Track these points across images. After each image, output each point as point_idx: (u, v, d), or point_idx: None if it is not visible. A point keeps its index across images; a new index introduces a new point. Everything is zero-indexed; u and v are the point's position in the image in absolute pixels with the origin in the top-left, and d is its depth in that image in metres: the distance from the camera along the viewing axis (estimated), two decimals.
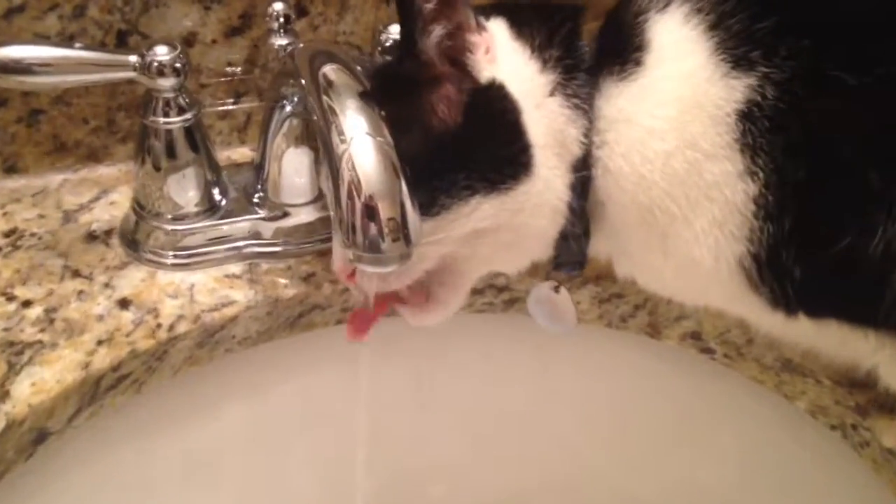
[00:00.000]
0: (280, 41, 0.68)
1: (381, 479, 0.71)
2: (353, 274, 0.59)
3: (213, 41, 0.77)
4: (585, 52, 0.55)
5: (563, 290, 0.67)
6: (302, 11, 0.77)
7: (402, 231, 0.51)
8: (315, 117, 0.54)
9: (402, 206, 0.51)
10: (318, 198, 0.72)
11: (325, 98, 0.53)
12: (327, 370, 0.75)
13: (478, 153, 0.54)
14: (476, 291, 0.73)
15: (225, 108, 0.81)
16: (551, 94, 0.55)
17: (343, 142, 0.51)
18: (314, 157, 0.69)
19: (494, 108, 0.54)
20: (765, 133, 0.48)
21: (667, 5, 0.52)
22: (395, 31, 0.69)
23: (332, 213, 0.52)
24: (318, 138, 0.53)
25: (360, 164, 0.51)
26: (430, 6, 0.52)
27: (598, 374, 0.77)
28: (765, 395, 0.69)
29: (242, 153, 0.81)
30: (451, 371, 0.77)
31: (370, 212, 0.50)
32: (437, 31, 0.53)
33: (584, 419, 0.77)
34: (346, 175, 0.51)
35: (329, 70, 0.55)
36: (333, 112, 0.52)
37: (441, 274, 0.59)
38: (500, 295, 0.74)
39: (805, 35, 0.47)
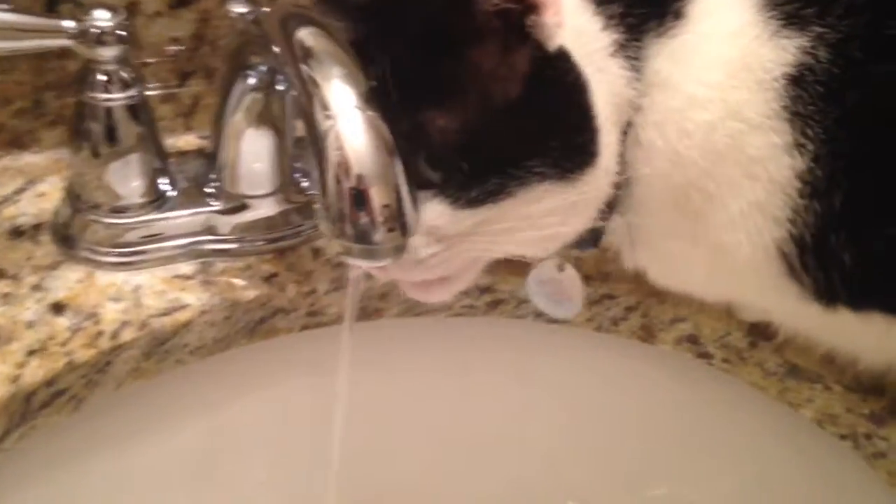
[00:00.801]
0: (238, 8, 0.60)
1: (353, 499, 0.64)
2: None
3: (157, 13, 0.69)
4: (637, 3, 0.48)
5: (568, 267, 0.61)
6: None
7: (398, 219, 0.44)
8: (291, 92, 0.47)
9: (398, 190, 0.44)
10: (282, 188, 0.64)
11: (304, 67, 0.46)
12: (292, 381, 0.68)
13: (550, 136, 0.46)
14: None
15: (169, 90, 0.73)
16: (613, 54, 0.48)
17: (328, 117, 0.44)
18: (277, 141, 0.61)
19: (564, 82, 0.47)
20: (817, 100, 0.43)
21: None
22: None
23: (317, 203, 0.45)
24: (301, 115, 0.46)
25: (349, 142, 0.43)
26: None
27: (587, 383, 0.71)
28: (767, 403, 0.65)
29: (188, 141, 0.73)
30: (429, 379, 0.71)
31: (361, 197, 0.43)
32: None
33: (571, 431, 0.72)
34: (332, 156, 0.43)
35: (306, 34, 0.47)
36: (315, 83, 0.45)
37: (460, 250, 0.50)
38: (482, 296, 0.68)
39: None
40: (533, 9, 0.45)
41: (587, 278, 0.66)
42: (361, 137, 0.44)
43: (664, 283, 0.55)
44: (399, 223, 0.44)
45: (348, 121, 0.44)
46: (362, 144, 0.43)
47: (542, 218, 0.48)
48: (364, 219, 0.43)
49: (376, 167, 0.43)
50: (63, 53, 0.68)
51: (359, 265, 0.45)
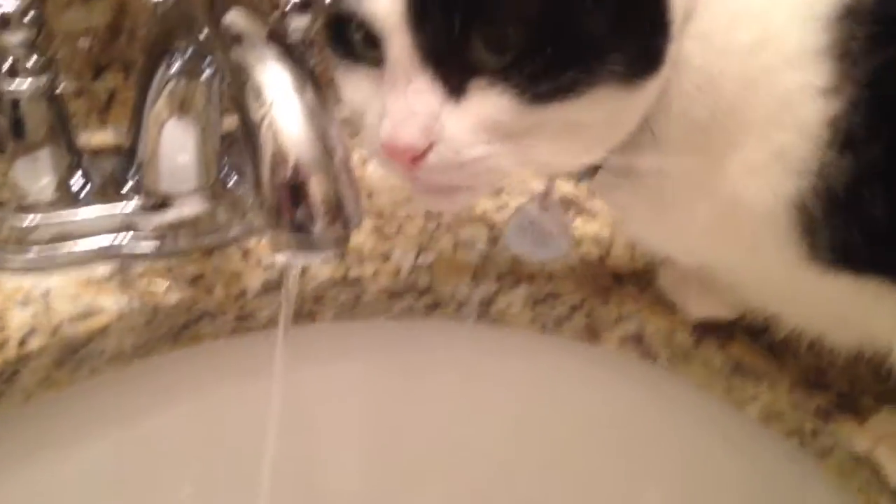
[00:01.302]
0: None
1: None
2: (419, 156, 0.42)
3: (69, 2, 0.64)
4: None
5: (553, 205, 0.57)
6: None
7: (339, 210, 0.41)
8: (217, 80, 0.44)
9: (339, 179, 0.41)
10: (207, 184, 0.60)
11: (234, 52, 0.42)
12: (219, 390, 0.64)
13: (630, 31, 0.41)
14: (394, 294, 0.64)
15: (82, 84, 0.68)
16: None
17: (261, 105, 0.41)
18: (202, 133, 0.57)
19: None
20: (860, 38, 0.40)
21: None
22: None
23: (252, 197, 0.41)
24: (232, 104, 0.42)
25: (285, 130, 0.40)
26: None
27: (531, 385, 0.69)
28: (713, 403, 0.64)
29: (104, 138, 0.68)
30: (367, 385, 0.67)
31: (299, 187, 0.40)
32: None
33: (516, 435, 0.69)
34: (267, 145, 0.40)
35: (235, 16, 0.44)
36: (246, 69, 0.42)
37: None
38: (421, 298, 0.65)
39: None
40: None
41: (531, 277, 0.64)
42: (299, 124, 0.40)
43: (641, 236, 0.52)
44: (341, 214, 0.41)
45: (284, 107, 0.41)
46: (299, 131, 0.40)
47: (596, 125, 0.43)
48: (303, 210, 0.40)
49: (315, 155, 0.40)
50: None
51: (297, 260, 0.42)
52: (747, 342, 0.62)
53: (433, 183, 0.42)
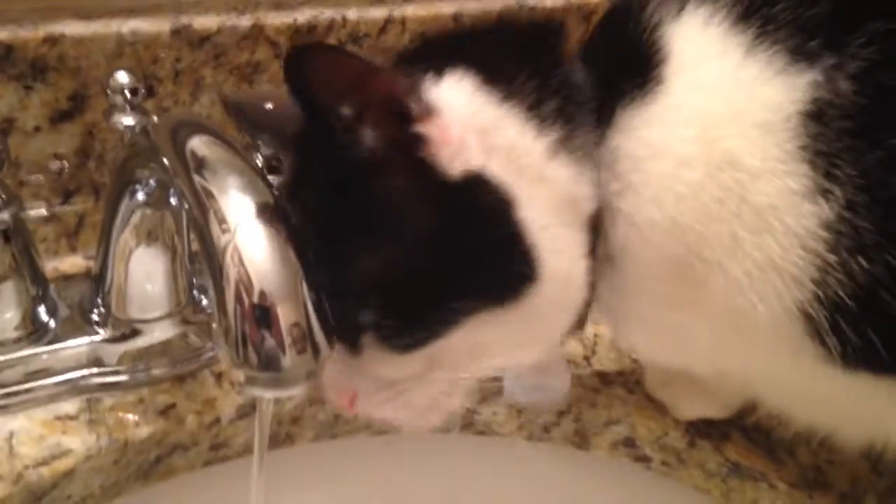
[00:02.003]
0: (125, 119, 0.55)
1: None
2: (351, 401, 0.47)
3: (36, 129, 0.64)
4: (583, 83, 0.46)
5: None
6: (148, 91, 0.65)
7: (308, 340, 0.39)
8: (183, 205, 0.43)
9: (307, 306, 0.39)
10: (177, 308, 0.58)
11: (197, 178, 0.41)
12: None
13: (470, 269, 0.43)
14: None
15: (51, 209, 0.67)
16: (554, 155, 0.44)
17: (226, 231, 0.39)
18: (171, 259, 0.56)
19: (480, 207, 0.43)
20: (844, 137, 0.39)
21: (681, 10, 0.44)
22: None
23: (214, 328, 0.40)
24: (194, 231, 0.41)
25: (249, 256, 0.39)
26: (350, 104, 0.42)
27: (520, 495, 0.66)
28: None
29: (74, 263, 0.67)
30: (345, 500, 0.64)
31: (265, 317, 0.39)
32: (368, 134, 0.42)
33: None
34: (230, 273, 0.39)
35: (199, 143, 0.43)
36: (210, 195, 0.41)
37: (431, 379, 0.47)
38: None
39: (884, 15, 0.39)
40: (420, 141, 0.42)
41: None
42: (263, 250, 0.39)
43: (658, 360, 0.52)
44: (310, 343, 0.39)
45: (248, 233, 0.40)
46: (265, 257, 0.39)
47: (495, 346, 0.45)
48: (270, 341, 0.39)
49: (281, 281, 0.39)
50: None
51: (266, 396, 0.40)
52: (743, 442, 0.60)
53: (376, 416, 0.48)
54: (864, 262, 0.39)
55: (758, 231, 0.41)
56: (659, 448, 0.62)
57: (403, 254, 0.42)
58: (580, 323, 0.50)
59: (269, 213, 0.40)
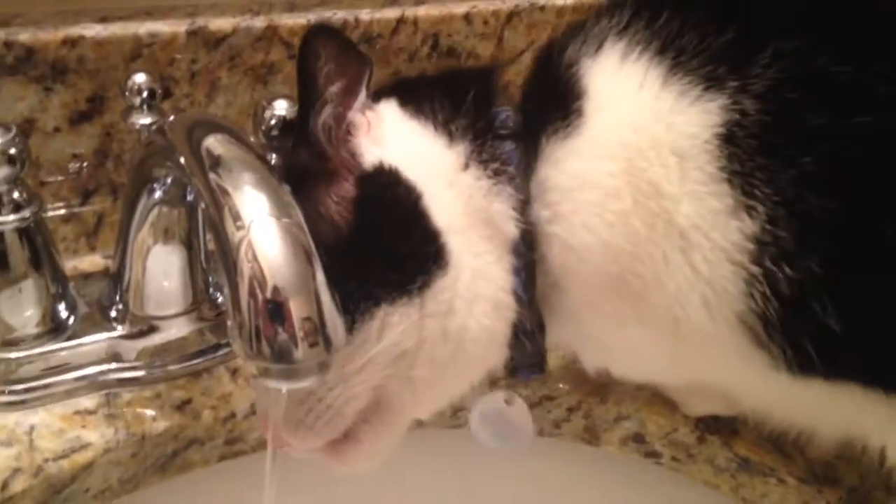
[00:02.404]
0: (142, 120, 0.56)
1: None
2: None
3: (56, 129, 0.65)
4: (507, 116, 0.48)
5: (518, 400, 0.58)
6: (165, 93, 0.66)
7: (320, 333, 0.40)
8: (201, 204, 0.44)
9: (319, 300, 0.40)
10: (194, 305, 0.59)
11: (212, 176, 0.42)
12: None
13: (373, 252, 0.45)
14: None
15: (70, 209, 0.68)
16: (465, 167, 0.47)
17: (240, 227, 0.40)
18: (188, 257, 0.57)
19: (385, 195, 0.46)
20: (756, 155, 0.41)
21: (599, 48, 0.46)
22: (280, 107, 0.60)
23: (229, 323, 0.41)
24: (209, 227, 0.42)
25: (263, 252, 0.40)
26: (325, 73, 0.45)
27: (529, 492, 0.67)
28: (723, 502, 0.62)
29: (92, 262, 0.68)
30: (360, 500, 0.65)
31: (278, 311, 0.40)
32: (327, 110, 0.46)
33: None
34: (244, 268, 0.40)
35: (214, 142, 0.44)
36: (225, 192, 0.42)
37: (370, 411, 0.48)
38: None
39: (785, 36, 0.41)
40: (349, 129, 0.46)
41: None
42: (277, 246, 0.40)
43: (631, 377, 0.53)
44: (322, 337, 0.40)
45: (262, 229, 0.40)
46: (278, 253, 0.40)
47: (426, 349, 0.46)
48: (283, 335, 0.39)
49: (294, 277, 0.40)
50: None
51: (279, 387, 0.41)
52: (752, 437, 0.60)
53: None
54: (788, 272, 0.41)
55: (686, 250, 0.43)
56: (669, 444, 0.63)
57: (325, 248, 0.42)
58: (539, 365, 0.51)
59: (283, 209, 0.41)
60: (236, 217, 0.41)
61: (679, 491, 0.64)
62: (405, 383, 0.47)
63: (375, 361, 0.45)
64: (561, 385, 0.64)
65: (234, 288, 0.40)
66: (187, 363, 0.60)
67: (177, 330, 0.59)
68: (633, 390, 0.63)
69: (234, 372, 0.61)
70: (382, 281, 0.44)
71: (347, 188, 0.46)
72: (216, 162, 0.43)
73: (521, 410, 0.60)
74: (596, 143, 0.45)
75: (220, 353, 0.61)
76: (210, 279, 0.61)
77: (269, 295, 0.40)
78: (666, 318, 0.45)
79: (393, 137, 0.47)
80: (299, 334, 0.40)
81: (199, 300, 0.60)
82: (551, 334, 0.51)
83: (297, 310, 0.40)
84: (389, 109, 0.48)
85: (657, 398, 0.63)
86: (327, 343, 0.40)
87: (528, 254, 0.47)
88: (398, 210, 0.45)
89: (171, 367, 0.59)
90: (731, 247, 0.42)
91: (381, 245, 0.45)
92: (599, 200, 0.45)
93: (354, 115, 0.46)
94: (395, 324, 0.44)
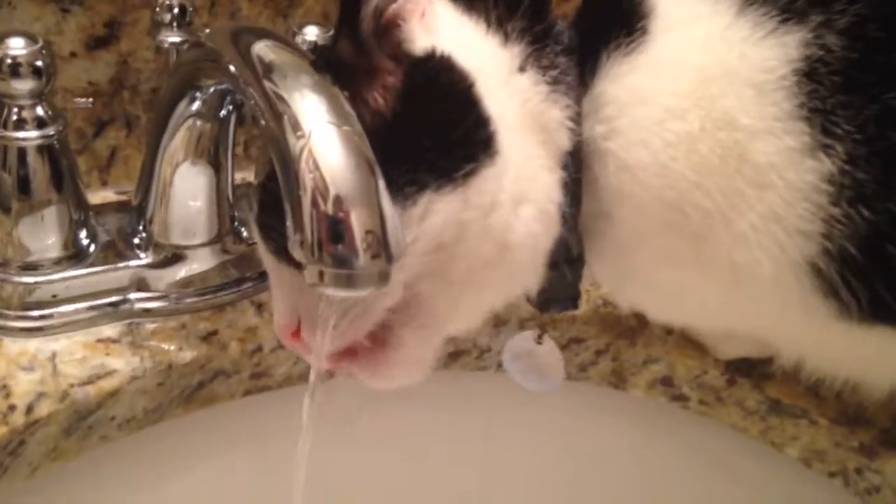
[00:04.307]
0: (172, 38, 0.54)
1: None
2: (298, 332, 0.46)
3: (72, 54, 0.63)
4: (563, 29, 0.46)
5: (546, 339, 0.57)
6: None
7: (382, 244, 0.39)
8: (230, 121, 0.42)
9: (382, 211, 0.39)
10: (218, 238, 0.58)
11: (266, 83, 0.41)
12: (232, 455, 0.60)
13: (420, 137, 0.43)
14: None
15: (83, 140, 0.66)
16: (521, 68, 0.45)
17: (300, 136, 0.39)
18: (215, 181, 0.55)
19: (437, 80, 0.43)
20: (838, 93, 0.40)
21: None
22: (311, 33, 0.58)
23: (289, 227, 0.39)
24: (265, 138, 0.40)
25: (325, 161, 0.38)
26: None
27: (554, 436, 0.66)
28: (750, 445, 0.61)
29: (105, 197, 0.66)
30: (386, 442, 0.64)
31: (340, 220, 0.38)
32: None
33: (542, 489, 0.66)
34: (306, 178, 0.38)
35: (263, 48, 0.42)
36: (281, 99, 0.40)
37: (405, 312, 0.46)
38: (442, 347, 0.62)
39: None
40: (401, 15, 0.43)
41: (553, 321, 0.62)
42: (338, 155, 0.39)
43: (666, 319, 0.52)
44: (384, 247, 0.39)
45: (322, 138, 0.39)
46: (340, 163, 0.38)
47: (466, 245, 0.44)
48: (344, 243, 0.38)
49: (357, 187, 0.38)
50: None
51: (338, 295, 0.39)
52: (782, 379, 0.60)
53: (326, 346, 0.44)
54: (867, 214, 0.40)
55: (759, 185, 0.42)
56: (697, 387, 0.62)
57: (369, 136, 0.40)
58: (573, 298, 0.50)
59: (343, 117, 0.40)
60: (295, 126, 0.39)
61: (705, 435, 0.63)
62: (440, 283, 0.45)
63: (412, 252, 0.42)
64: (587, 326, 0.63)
65: (296, 197, 0.38)
66: (212, 295, 0.58)
67: (201, 261, 0.57)
68: (663, 333, 0.63)
69: (260, 306, 0.59)
70: (429, 166, 0.42)
71: (394, 77, 0.43)
72: (269, 68, 0.41)
73: (550, 350, 0.59)
74: (661, 61, 0.44)
75: (244, 286, 0.59)
76: (236, 214, 0.59)
77: (331, 204, 0.38)
78: (726, 259, 0.44)
79: (445, 27, 0.44)
80: (361, 244, 0.38)
81: (223, 232, 0.58)
82: (589, 267, 0.49)
83: (359, 220, 0.38)
84: (440, 2, 0.46)
85: (687, 341, 0.62)
86: (388, 254, 0.39)
87: (576, 173, 0.45)
88: (450, 94, 0.43)
89: (196, 299, 0.57)
90: (807, 187, 0.41)
91: (429, 130, 0.43)
92: (660, 117, 0.43)
93: (406, 2, 0.43)
94: (438, 212, 0.42)
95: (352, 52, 0.43)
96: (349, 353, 0.47)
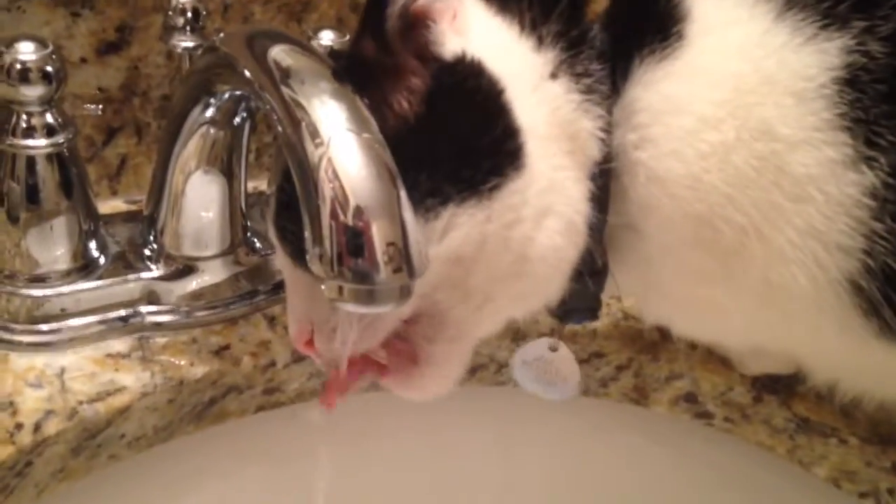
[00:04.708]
0: (185, 42, 0.53)
1: None
2: (311, 340, 0.44)
3: (83, 59, 0.61)
4: (595, 33, 0.45)
5: (562, 347, 0.55)
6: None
7: (404, 258, 0.37)
8: (244, 129, 0.40)
9: (404, 223, 0.37)
10: (230, 249, 0.56)
11: (284, 89, 0.39)
12: (245, 474, 0.58)
13: (446, 146, 0.41)
14: None
15: (93, 148, 0.64)
16: (553, 75, 0.43)
17: (318, 144, 0.37)
18: (228, 190, 0.54)
19: (465, 86, 0.41)
20: (881, 102, 0.38)
21: None
22: (326, 38, 0.56)
23: (307, 240, 0.38)
24: (283, 146, 0.39)
25: (345, 170, 0.37)
26: None
27: (573, 453, 0.64)
28: (777, 464, 0.59)
29: (115, 206, 0.64)
30: (402, 457, 0.62)
31: (361, 232, 0.36)
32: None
33: None
34: (325, 188, 0.37)
35: (280, 53, 0.41)
36: (299, 105, 0.38)
37: (425, 325, 0.45)
38: None
39: None
40: (430, 16, 0.41)
41: (573, 335, 0.60)
42: (359, 164, 0.37)
43: (693, 335, 0.50)
44: (405, 262, 0.37)
45: (342, 146, 0.37)
46: (360, 172, 0.37)
47: (487, 259, 0.42)
48: (365, 256, 0.36)
49: (377, 198, 0.37)
50: None
51: (356, 310, 0.38)
52: (811, 396, 0.58)
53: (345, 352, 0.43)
54: None
55: (797, 199, 0.40)
56: (722, 403, 0.60)
57: (390, 140, 0.39)
58: (593, 310, 0.49)
59: (362, 124, 0.38)
60: (314, 133, 0.38)
61: (729, 453, 0.61)
62: (458, 293, 0.43)
63: (431, 266, 0.40)
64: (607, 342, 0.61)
65: (315, 208, 0.37)
66: (224, 308, 0.56)
67: (213, 273, 0.56)
68: (687, 348, 0.61)
69: (272, 320, 0.57)
70: (454, 177, 0.40)
71: (420, 79, 0.41)
72: (286, 74, 0.40)
73: (567, 358, 0.57)
74: (697, 67, 0.42)
75: (257, 299, 0.58)
76: (248, 224, 0.58)
77: (351, 215, 0.36)
78: (759, 276, 0.42)
79: (476, 29, 0.43)
80: (382, 258, 0.37)
81: (236, 243, 0.57)
82: (612, 280, 0.48)
83: (380, 232, 0.37)
84: (471, 3, 0.44)
85: (712, 356, 0.60)
86: (411, 269, 0.37)
87: (606, 182, 0.44)
88: (479, 102, 0.41)
89: (207, 312, 0.56)
90: (848, 201, 0.39)
91: (456, 139, 0.41)
92: (695, 127, 0.42)
93: (436, 2, 0.41)
94: (461, 226, 0.41)
95: (375, 51, 0.41)
96: (379, 367, 0.46)
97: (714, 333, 0.51)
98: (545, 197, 0.43)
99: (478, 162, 0.41)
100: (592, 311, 0.49)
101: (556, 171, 0.43)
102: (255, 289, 0.58)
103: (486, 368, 0.61)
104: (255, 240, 0.59)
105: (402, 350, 0.45)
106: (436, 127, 0.41)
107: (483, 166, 0.41)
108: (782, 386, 0.59)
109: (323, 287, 0.37)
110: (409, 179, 0.39)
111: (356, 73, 0.41)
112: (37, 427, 0.47)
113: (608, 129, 0.43)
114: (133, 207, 0.64)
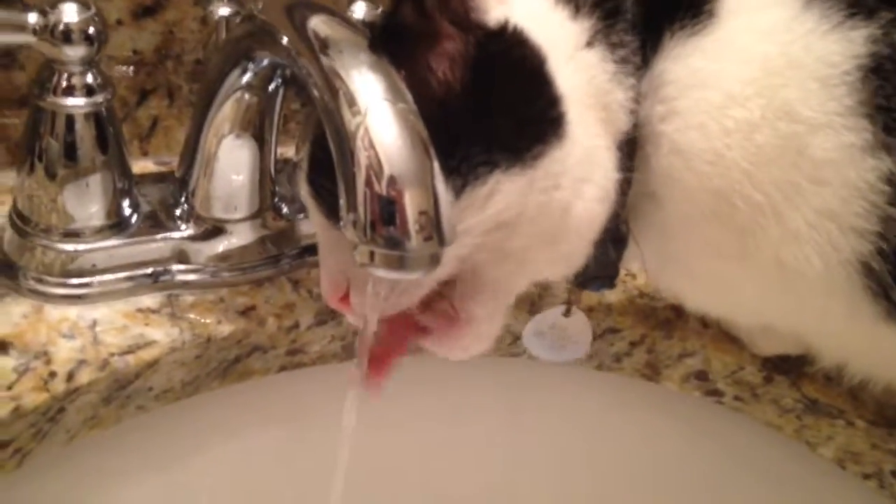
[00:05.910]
0: (222, 10, 0.54)
1: None
2: (346, 296, 0.45)
3: (119, 22, 0.62)
4: (629, 3, 0.45)
5: (576, 310, 0.56)
6: None
7: (434, 226, 0.38)
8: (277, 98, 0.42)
9: (436, 193, 0.38)
10: (259, 212, 0.57)
11: (323, 59, 0.40)
12: (267, 431, 0.60)
13: (493, 116, 0.42)
14: None
15: (126, 109, 0.66)
16: (589, 44, 0.44)
17: (356, 113, 0.38)
18: (258, 155, 0.55)
19: (510, 55, 0.43)
20: None
21: None
22: (359, 10, 0.57)
23: (342, 206, 0.39)
24: (320, 114, 0.40)
25: (380, 139, 0.38)
26: None
27: (584, 426, 0.66)
28: (784, 443, 0.61)
29: (144, 167, 0.66)
30: (415, 426, 0.64)
31: (394, 202, 0.38)
32: None
33: (570, 480, 0.66)
34: (361, 156, 0.38)
35: (319, 23, 0.42)
36: (337, 75, 0.40)
37: (464, 285, 0.46)
38: None
39: None
40: None
41: (589, 310, 0.62)
42: (394, 134, 0.38)
43: (704, 309, 0.51)
44: (436, 230, 0.38)
45: (378, 116, 0.38)
46: (395, 142, 0.38)
47: (527, 223, 0.43)
48: (397, 223, 0.38)
49: (411, 167, 0.38)
50: (9, 64, 0.61)
51: (386, 276, 0.39)
52: (820, 378, 0.59)
53: (376, 312, 0.44)
54: None
55: (816, 181, 0.41)
56: (733, 382, 0.62)
57: (435, 108, 0.40)
58: (612, 277, 0.50)
59: (398, 94, 0.39)
60: (351, 102, 0.39)
61: (738, 431, 0.63)
62: (498, 256, 0.44)
63: (472, 230, 0.42)
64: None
65: (350, 175, 0.38)
66: (250, 270, 0.58)
67: (241, 236, 0.57)
68: (699, 326, 0.62)
69: (296, 283, 0.59)
70: (501, 145, 0.41)
71: (463, 46, 0.42)
72: (325, 44, 0.41)
73: (579, 320, 0.59)
74: (727, 45, 0.43)
75: (282, 262, 0.59)
76: (277, 189, 0.59)
77: (385, 184, 0.38)
78: (773, 254, 0.43)
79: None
80: (414, 226, 0.38)
81: (264, 207, 0.58)
82: (631, 249, 0.49)
83: (412, 201, 0.38)
84: None
85: (724, 335, 0.62)
86: (441, 237, 0.38)
87: (633, 151, 0.45)
88: (524, 71, 0.42)
89: (234, 273, 0.57)
90: (865, 186, 0.40)
91: (503, 108, 0.42)
92: (722, 103, 0.43)
93: None
94: (505, 192, 0.42)
95: (414, 17, 0.42)
96: (421, 329, 0.47)
97: (726, 309, 0.52)
98: (583, 164, 0.44)
99: (523, 130, 0.42)
100: (611, 278, 0.50)
101: (592, 139, 0.44)
102: (280, 252, 0.59)
103: (502, 340, 0.63)
104: (283, 205, 0.60)
105: (441, 311, 0.46)
106: (483, 96, 0.42)
107: (528, 134, 0.42)
108: (792, 367, 0.60)
109: (354, 252, 0.38)
110: (459, 147, 0.40)
111: (395, 40, 0.42)
112: (70, 376, 0.49)
113: (638, 100, 0.44)
114: (163, 168, 0.65)
